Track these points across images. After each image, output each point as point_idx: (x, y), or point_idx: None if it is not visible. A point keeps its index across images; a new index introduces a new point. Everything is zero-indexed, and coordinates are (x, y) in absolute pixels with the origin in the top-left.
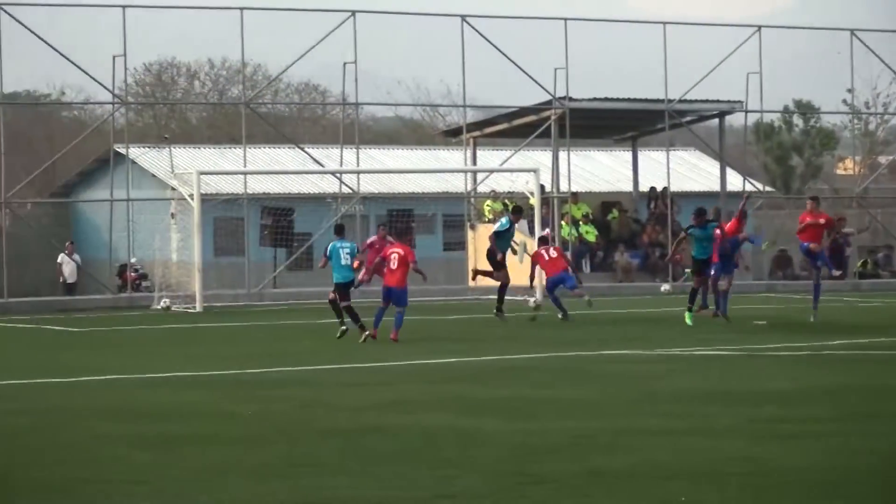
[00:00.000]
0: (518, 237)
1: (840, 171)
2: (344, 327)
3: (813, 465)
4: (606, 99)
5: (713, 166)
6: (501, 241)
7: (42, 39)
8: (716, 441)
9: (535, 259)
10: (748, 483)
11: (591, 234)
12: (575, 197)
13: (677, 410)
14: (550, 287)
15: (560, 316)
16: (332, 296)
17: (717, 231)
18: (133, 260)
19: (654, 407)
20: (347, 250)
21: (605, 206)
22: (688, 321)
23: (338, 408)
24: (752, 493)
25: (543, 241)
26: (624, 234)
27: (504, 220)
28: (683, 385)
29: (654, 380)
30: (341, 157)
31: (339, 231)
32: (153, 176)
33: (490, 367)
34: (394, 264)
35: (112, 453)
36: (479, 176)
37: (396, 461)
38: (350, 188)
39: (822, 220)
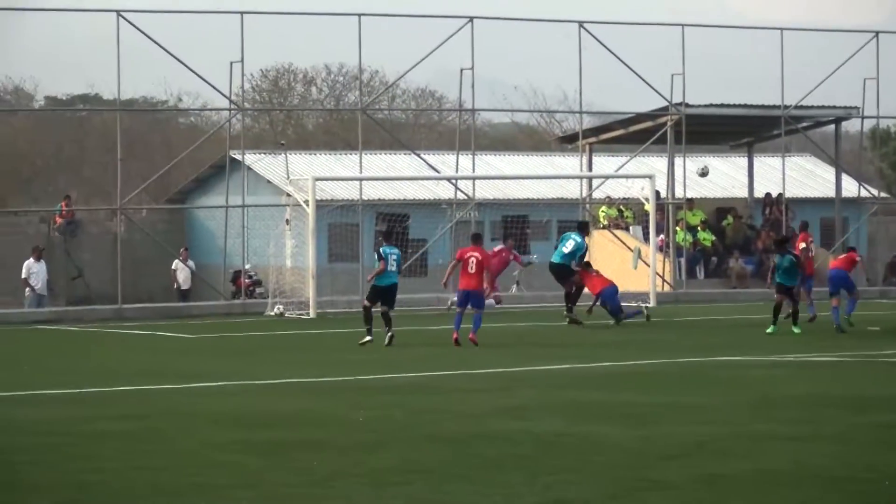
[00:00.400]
0: (632, 243)
1: None
2: (370, 337)
3: None
4: (722, 105)
5: (829, 172)
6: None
7: (160, 45)
8: (834, 447)
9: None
10: (860, 489)
11: (707, 240)
12: (690, 203)
13: (795, 416)
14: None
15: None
16: (366, 303)
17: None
18: (247, 266)
19: (771, 413)
20: (395, 256)
21: (719, 213)
22: (769, 331)
23: (452, 414)
24: (872, 500)
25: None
26: (738, 240)
27: (579, 240)
28: (801, 391)
29: (771, 385)
30: (457, 163)
31: (388, 237)
32: (269, 182)
33: (604, 373)
34: (472, 268)
35: (223, 459)
36: (595, 182)
37: (511, 468)
38: (465, 194)
39: None
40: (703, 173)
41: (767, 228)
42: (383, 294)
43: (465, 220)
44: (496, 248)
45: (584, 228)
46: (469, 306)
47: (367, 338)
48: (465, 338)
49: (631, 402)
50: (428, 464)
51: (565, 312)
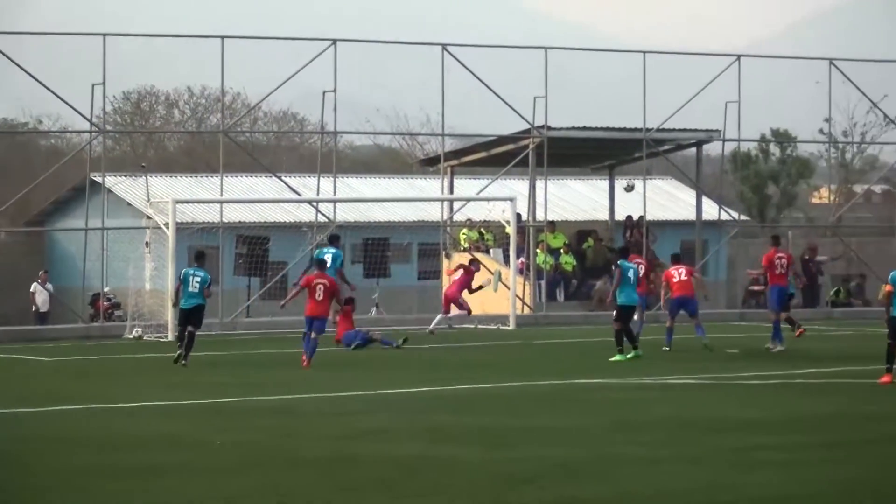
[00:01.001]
0: (493, 266)
1: (815, 200)
2: (184, 362)
3: (784, 494)
4: (584, 128)
5: (690, 195)
6: None
7: (20, 67)
8: (691, 469)
9: (666, 278)
10: None
11: (569, 263)
12: (552, 226)
13: (653, 439)
14: (674, 309)
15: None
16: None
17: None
18: (106, 289)
19: (630, 435)
20: (199, 279)
21: (580, 235)
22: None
23: (313, 437)
24: None
25: (676, 258)
26: (599, 262)
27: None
28: (659, 413)
29: (630, 408)
30: (318, 185)
31: (199, 258)
32: (129, 205)
33: (466, 396)
34: (319, 295)
35: (81, 483)
36: (456, 205)
37: (371, 491)
38: (326, 217)
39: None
40: (629, 188)
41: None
42: (187, 316)
43: (325, 242)
44: (454, 268)
45: (334, 241)
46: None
47: (179, 352)
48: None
49: (490, 424)
50: (289, 488)
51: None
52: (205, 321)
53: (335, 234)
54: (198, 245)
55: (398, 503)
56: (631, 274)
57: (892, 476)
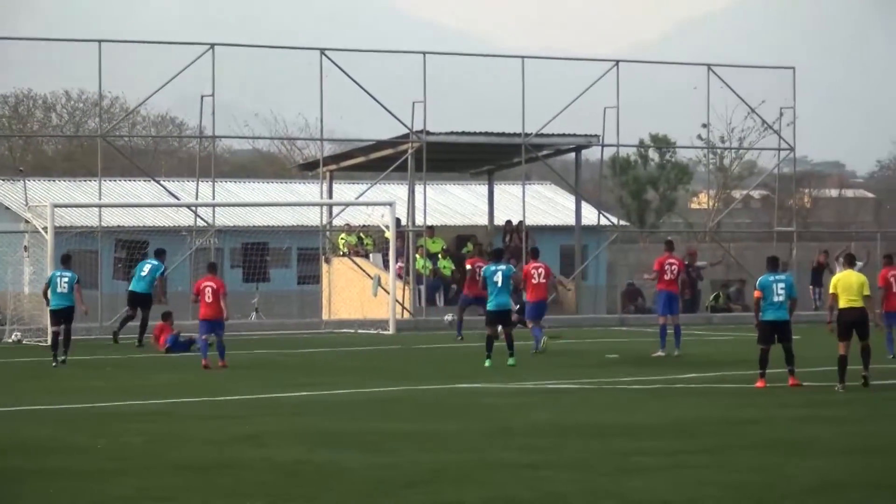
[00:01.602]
0: (372, 271)
1: (694, 206)
2: (63, 358)
3: (666, 499)
4: (463, 133)
5: (569, 200)
6: None
7: None
8: (571, 474)
9: (525, 275)
10: None
11: (447, 268)
12: (431, 230)
13: (533, 444)
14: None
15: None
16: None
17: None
18: None
19: (509, 440)
20: (66, 279)
21: (459, 240)
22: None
23: (192, 441)
24: None
25: (535, 253)
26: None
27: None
28: (538, 418)
29: (511, 413)
30: (197, 190)
31: (65, 261)
32: (7, 209)
33: (345, 401)
34: (209, 298)
35: None
36: (336, 209)
37: (251, 496)
38: (205, 221)
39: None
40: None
41: (507, 256)
42: (58, 316)
43: (204, 247)
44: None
45: (159, 254)
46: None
47: (60, 359)
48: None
49: (370, 429)
50: (168, 492)
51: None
52: (85, 325)
53: (161, 249)
54: (76, 249)
55: None
56: (497, 278)
57: (773, 481)
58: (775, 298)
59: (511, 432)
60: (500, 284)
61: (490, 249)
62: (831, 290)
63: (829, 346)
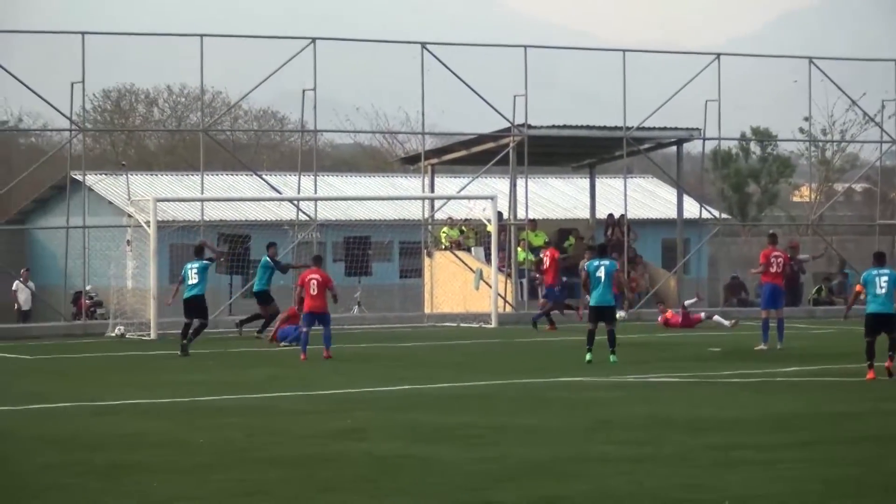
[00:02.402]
0: (474, 264)
1: (796, 199)
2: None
3: (766, 493)
4: (565, 126)
5: (670, 193)
6: None
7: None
8: (670, 468)
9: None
10: None
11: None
12: (533, 224)
13: (632, 438)
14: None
15: None
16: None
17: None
18: (88, 287)
19: (609, 434)
20: (195, 269)
21: (561, 233)
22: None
23: (292, 436)
24: None
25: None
26: (580, 261)
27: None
28: (638, 412)
29: (610, 407)
30: (299, 184)
31: (198, 252)
32: (110, 203)
33: (445, 395)
34: (314, 290)
35: (63, 481)
36: (437, 203)
37: (350, 490)
38: (307, 215)
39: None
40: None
41: (609, 250)
42: (186, 307)
43: (306, 241)
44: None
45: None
46: (317, 325)
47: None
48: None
49: (469, 423)
50: (268, 486)
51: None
52: (186, 319)
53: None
54: (178, 243)
55: (379, 501)
56: (601, 273)
57: (872, 475)
58: (878, 291)
59: (610, 426)
60: (602, 280)
61: (591, 243)
62: None
63: None
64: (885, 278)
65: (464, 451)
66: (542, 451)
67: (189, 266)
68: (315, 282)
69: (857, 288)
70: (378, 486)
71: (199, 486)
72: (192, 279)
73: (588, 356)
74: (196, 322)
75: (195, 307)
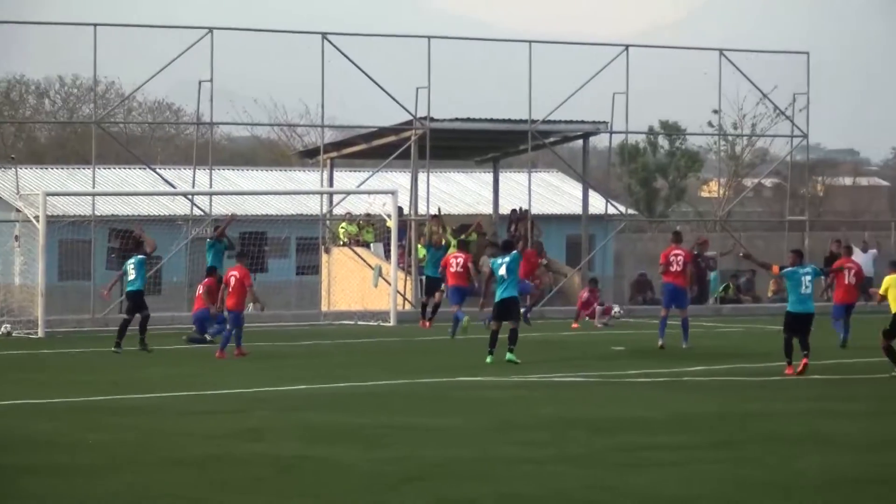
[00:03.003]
0: (373, 261)
1: (704, 194)
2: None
3: (674, 494)
4: (468, 119)
5: (576, 188)
6: None
7: None
8: (576, 469)
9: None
10: None
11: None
12: (437, 219)
13: (536, 438)
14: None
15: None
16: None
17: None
18: None
19: (513, 435)
20: (132, 264)
21: (463, 229)
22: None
23: (188, 436)
24: None
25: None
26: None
27: None
28: (543, 413)
29: (513, 407)
30: (194, 178)
31: (137, 246)
32: None
33: (344, 394)
34: (232, 287)
35: None
36: (336, 198)
37: (250, 491)
38: (202, 210)
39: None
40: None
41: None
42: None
43: (201, 236)
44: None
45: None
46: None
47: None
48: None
49: (368, 423)
50: (164, 488)
51: None
52: (77, 317)
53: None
54: (68, 239)
55: (275, 503)
56: (503, 272)
57: (781, 475)
58: (803, 290)
59: (514, 426)
60: (506, 277)
61: (494, 239)
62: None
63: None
64: (808, 277)
65: (363, 452)
66: (444, 453)
67: (128, 262)
68: (234, 279)
69: (774, 270)
70: (276, 488)
71: (90, 490)
72: (130, 275)
73: (489, 358)
74: (139, 316)
75: (133, 303)
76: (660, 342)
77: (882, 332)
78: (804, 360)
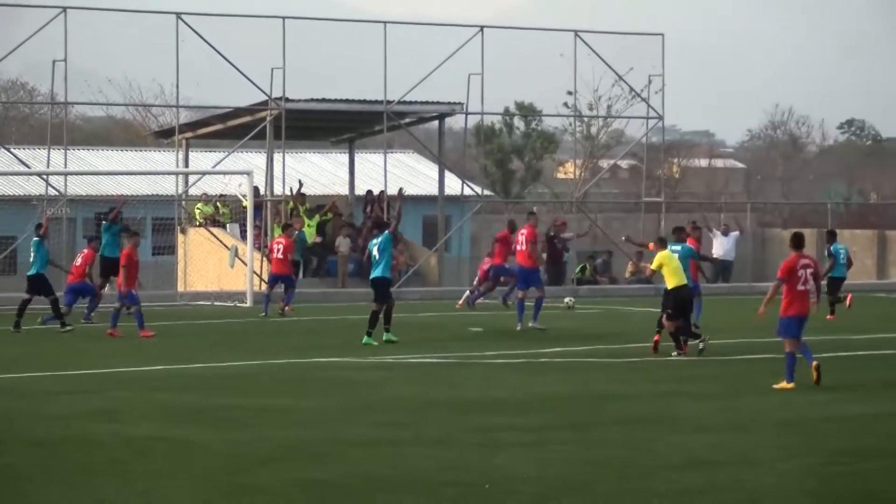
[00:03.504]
0: (229, 241)
1: (561, 176)
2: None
3: (527, 474)
4: (324, 100)
5: (432, 169)
6: None
7: None
8: (433, 450)
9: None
10: (460, 493)
11: (311, 236)
12: (302, 197)
13: (393, 419)
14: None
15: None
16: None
17: None
18: None
19: (369, 415)
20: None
21: (318, 210)
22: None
23: (41, 417)
24: (466, 503)
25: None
26: (336, 238)
27: None
28: (398, 393)
29: (370, 388)
30: (48, 158)
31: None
32: None
33: (198, 375)
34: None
35: None
36: (192, 178)
37: (103, 472)
38: (57, 190)
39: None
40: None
41: (369, 227)
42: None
43: (56, 216)
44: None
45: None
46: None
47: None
48: None
49: (224, 404)
50: (16, 469)
51: None
52: None
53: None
54: None
55: (131, 485)
56: (375, 252)
57: (639, 457)
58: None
59: (370, 408)
60: (377, 257)
61: (351, 221)
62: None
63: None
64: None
65: (219, 433)
66: (300, 433)
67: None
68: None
69: (650, 247)
70: (130, 469)
71: None
72: (31, 257)
73: (366, 338)
74: (48, 300)
75: (34, 286)
76: (518, 326)
77: (665, 315)
78: (657, 337)
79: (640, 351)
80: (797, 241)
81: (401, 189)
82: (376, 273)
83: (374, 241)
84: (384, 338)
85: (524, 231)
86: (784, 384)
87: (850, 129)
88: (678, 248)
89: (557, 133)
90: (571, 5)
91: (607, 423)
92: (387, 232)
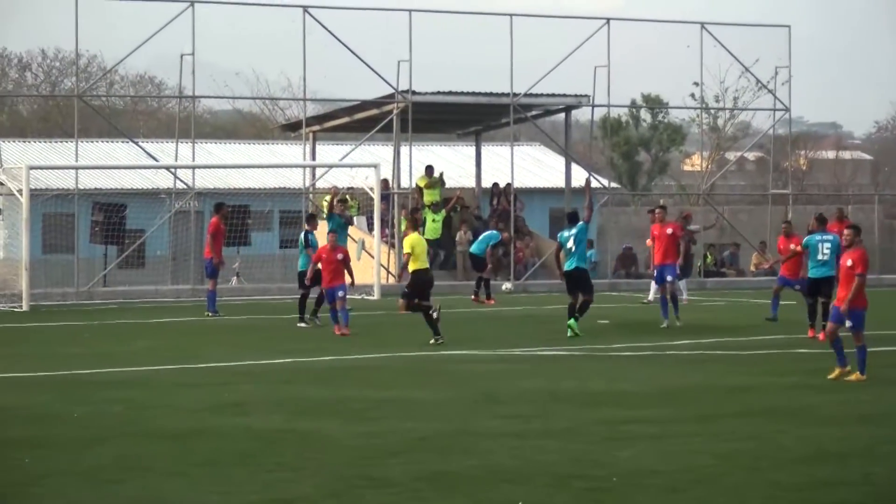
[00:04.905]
0: (357, 234)
1: (687, 168)
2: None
3: (653, 467)
4: (450, 93)
5: (558, 161)
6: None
7: None
8: (557, 443)
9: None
10: (589, 486)
11: (436, 230)
12: (430, 169)
13: (519, 412)
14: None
15: None
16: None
17: None
18: None
19: (495, 408)
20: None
21: (446, 203)
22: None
23: (172, 409)
24: (593, 496)
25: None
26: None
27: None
28: (526, 386)
29: (496, 380)
30: (176, 151)
31: (310, 220)
32: None
33: (328, 368)
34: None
35: None
36: (319, 171)
37: (231, 464)
38: (185, 183)
39: (669, 230)
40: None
41: (495, 219)
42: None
43: (184, 210)
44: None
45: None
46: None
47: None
48: None
49: (353, 397)
50: (146, 461)
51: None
52: (61, 290)
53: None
54: (52, 212)
55: (259, 477)
56: (571, 244)
57: (766, 449)
58: (820, 257)
59: (497, 400)
60: (573, 249)
61: (478, 213)
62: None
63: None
64: (827, 245)
65: (347, 426)
66: (427, 426)
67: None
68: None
69: (798, 248)
70: (259, 462)
71: (75, 462)
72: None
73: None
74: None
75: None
76: (664, 323)
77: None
78: (812, 332)
79: (767, 343)
80: None
81: (588, 178)
82: (574, 264)
83: (566, 232)
84: (568, 323)
85: (669, 228)
86: None
87: None
88: (830, 237)
89: (684, 125)
90: None
91: (734, 416)
92: (582, 222)
